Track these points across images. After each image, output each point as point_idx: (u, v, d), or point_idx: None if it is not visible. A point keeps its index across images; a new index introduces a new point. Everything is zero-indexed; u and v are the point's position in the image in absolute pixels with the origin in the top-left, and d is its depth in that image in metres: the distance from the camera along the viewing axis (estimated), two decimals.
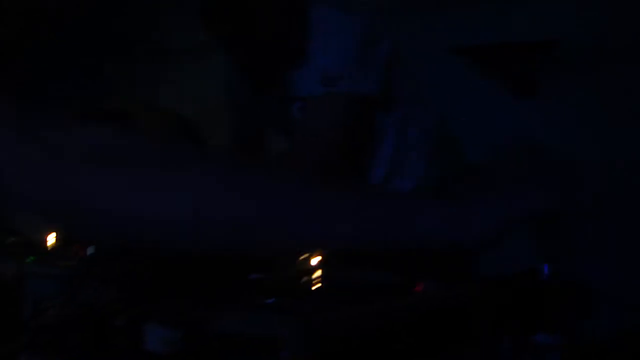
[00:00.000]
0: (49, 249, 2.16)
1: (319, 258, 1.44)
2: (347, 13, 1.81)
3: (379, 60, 1.78)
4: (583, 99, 2.66)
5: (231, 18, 1.72)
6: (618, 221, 2.62)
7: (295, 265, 1.44)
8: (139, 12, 3.87)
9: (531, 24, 2.66)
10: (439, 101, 2.63)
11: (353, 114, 1.76)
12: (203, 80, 3.95)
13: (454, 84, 2.67)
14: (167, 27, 3.90)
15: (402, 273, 1.35)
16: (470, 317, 1.29)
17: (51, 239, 2.22)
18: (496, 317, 1.26)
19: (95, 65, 3.37)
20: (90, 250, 1.87)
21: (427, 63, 2.70)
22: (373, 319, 1.25)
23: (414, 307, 1.29)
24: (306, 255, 1.46)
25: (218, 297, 1.28)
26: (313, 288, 1.39)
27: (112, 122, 3.08)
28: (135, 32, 3.76)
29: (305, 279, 1.43)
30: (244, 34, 1.75)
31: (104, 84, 3.45)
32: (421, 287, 1.28)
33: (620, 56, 2.62)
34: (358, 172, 1.90)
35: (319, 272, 1.42)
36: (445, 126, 2.04)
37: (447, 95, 2.68)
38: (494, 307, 1.25)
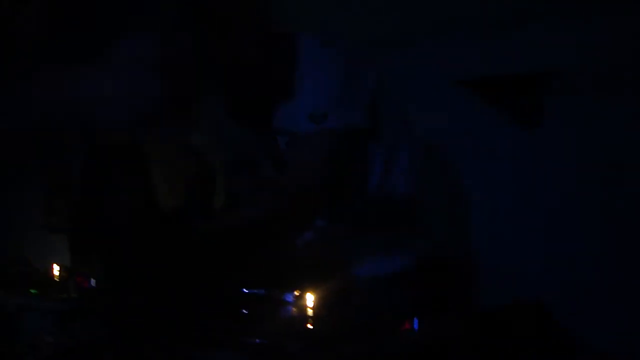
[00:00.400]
0: (52, 279, 2.20)
1: (312, 296, 1.46)
2: (331, 45, 1.81)
3: (365, 92, 1.79)
4: (583, 128, 2.66)
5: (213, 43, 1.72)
6: None
7: (286, 302, 1.46)
8: None
9: (531, 54, 2.67)
10: (439, 133, 2.66)
11: (342, 148, 1.78)
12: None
13: (454, 115, 2.68)
14: None
15: (392, 310, 1.36)
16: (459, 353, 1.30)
17: (55, 269, 2.26)
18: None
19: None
20: (92, 282, 1.90)
21: (426, 94, 2.72)
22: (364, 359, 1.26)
23: (403, 345, 1.30)
24: (299, 292, 1.48)
25: (209, 333, 1.30)
26: (306, 326, 1.41)
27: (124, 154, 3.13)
28: None
29: (298, 316, 1.44)
30: (227, 62, 1.75)
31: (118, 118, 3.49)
32: (409, 325, 1.29)
33: (622, 83, 2.63)
34: (344, 202, 1.90)
35: (311, 310, 1.44)
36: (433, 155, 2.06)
37: (447, 126, 2.71)
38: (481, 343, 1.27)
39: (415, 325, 1.27)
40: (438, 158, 2.62)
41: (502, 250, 2.64)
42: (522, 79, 2.66)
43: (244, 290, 1.47)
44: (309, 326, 1.39)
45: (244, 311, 1.40)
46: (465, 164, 2.70)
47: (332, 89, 1.76)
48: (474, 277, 2.13)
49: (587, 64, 2.65)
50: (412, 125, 1.99)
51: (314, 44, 1.82)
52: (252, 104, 1.90)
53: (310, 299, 1.46)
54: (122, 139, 3.32)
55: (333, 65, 1.78)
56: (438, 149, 2.56)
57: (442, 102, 2.77)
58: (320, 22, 2.65)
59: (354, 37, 2.01)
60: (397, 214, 1.93)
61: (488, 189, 2.73)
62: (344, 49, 1.82)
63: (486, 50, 2.67)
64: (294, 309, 1.45)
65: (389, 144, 1.91)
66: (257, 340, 1.24)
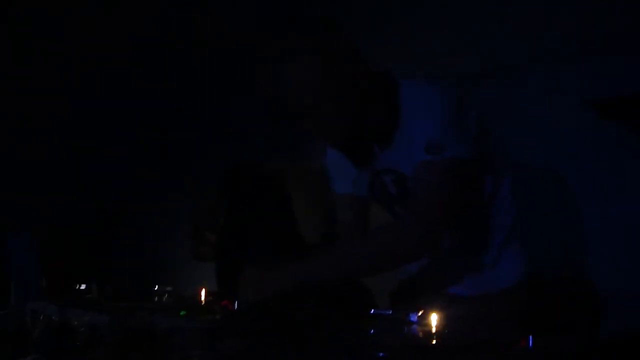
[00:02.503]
0: (199, 303, 2.37)
1: (435, 315, 1.53)
2: (434, 84, 1.84)
3: (471, 125, 1.82)
4: None
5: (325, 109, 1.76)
6: None
7: (411, 321, 1.54)
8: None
9: None
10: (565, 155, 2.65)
11: (460, 179, 1.81)
12: None
13: (582, 138, 2.65)
14: None
15: (509, 328, 1.41)
16: None
17: (202, 294, 2.43)
18: None
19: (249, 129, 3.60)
20: (236, 305, 2.03)
21: (554, 117, 2.71)
22: None
23: None
24: (423, 311, 1.55)
25: (342, 351, 1.39)
26: (430, 343, 1.48)
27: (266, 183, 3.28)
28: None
29: (423, 334, 1.52)
30: (338, 122, 1.79)
31: (258, 146, 3.66)
32: (525, 342, 1.34)
33: None
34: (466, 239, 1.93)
35: (434, 329, 1.51)
36: None
37: (575, 149, 2.68)
38: None
39: (530, 343, 1.31)
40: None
41: (623, 276, 2.56)
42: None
43: (372, 311, 1.56)
44: (433, 343, 1.47)
45: (372, 331, 1.48)
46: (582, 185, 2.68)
47: (443, 122, 1.79)
48: (590, 299, 2.11)
49: None
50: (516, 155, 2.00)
51: (419, 86, 1.84)
52: (358, 147, 1.93)
53: (433, 318, 1.53)
54: (264, 167, 3.48)
55: (440, 102, 1.80)
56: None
57: (565, 124, 2.74)
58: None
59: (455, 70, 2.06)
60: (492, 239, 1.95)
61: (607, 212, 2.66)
62: (447, 87, 1.84)
63: (617, 69, 2.62)
64: (419, 328, 1.53)
65: (492, 175, 1.94)
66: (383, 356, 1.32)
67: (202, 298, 2.41)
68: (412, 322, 1.53)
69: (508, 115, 2.88)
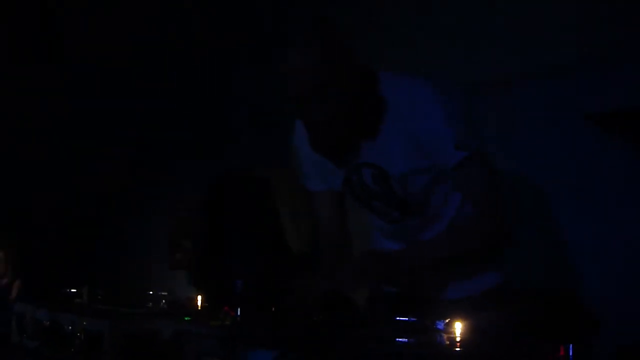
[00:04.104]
0: (199, 309, 2.32)
1: (460, 324, 1.51)
2: (434, 82, 1.88)
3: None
4: None
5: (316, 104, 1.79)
6: None
7: (438, 329, 1.51)
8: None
9: None
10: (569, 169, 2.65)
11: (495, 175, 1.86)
12: None
13: (583, 151, 2.65)
14: None
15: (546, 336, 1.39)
16: None
17: (200, 300, 2.38)
18: None
19: (236, 137, 3.57)
20: (239, 311, 1.99)
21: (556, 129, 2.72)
22: None
23: None
24: (449, 319, 1.53)
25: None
26: (456, 351, 1.46)
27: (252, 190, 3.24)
28: (270, 104, 3.96)
29: (449, 342, 1.50)
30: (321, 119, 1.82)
31: (245, 154, 3.64)
32: (563, 352, 1.32)
33: None
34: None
35: (460, 337, 1.49)
36: None
37: (576, 163, 2.68)
38: None
39: (571, 352, 1.29)
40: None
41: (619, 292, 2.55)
42: None
43: (398, 318, 1.53)
44: (458, 349, 1.45)
45: (399, 339, 1.46)
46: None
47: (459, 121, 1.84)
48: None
49: None
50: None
51: (426, 88, 1.88)
52: (341, 142, 1.93)
53: (458, 326, 1.51)
54: (249, 176, 3.44)
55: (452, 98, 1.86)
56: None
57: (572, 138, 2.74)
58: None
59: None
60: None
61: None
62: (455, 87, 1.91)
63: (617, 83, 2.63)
64: (445, 336, 1.50)
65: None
66: None
67: (199, 303, 2.36)
68: (439, 330, 1.51)
69: (503, 126, 2.89)
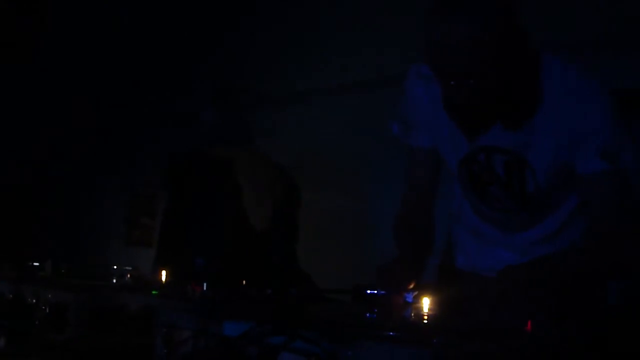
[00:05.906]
0: (163, 284, 2.32)
1: (427, 299, 1.55)
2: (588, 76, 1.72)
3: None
4: None
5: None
6: None
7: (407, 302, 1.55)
8: (241, 60, 4.04)
9: None
10: None
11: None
12: (301, 128, 4.07)
13: None
14: (268, 74, 4.04)
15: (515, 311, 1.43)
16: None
17: (164, 275, 2.38)
18: None
19: (197, 113, 3.53)
20: (204, 287, 2.00)
21: None
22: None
23: (526, 347, 1.35)
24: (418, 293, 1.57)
25: (346, 328, 1.38)
26: (424, 322, 1.50)
27: (215, 169, 3.23)
28: (237, 80, 3.93)
29: (417, 314, 1.54)
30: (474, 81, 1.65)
31: (205, 132, 3.61)
32: (531, 326, 1.35)
33: None
34: None
35: (428, 309, 1.53)
36: None
37: None
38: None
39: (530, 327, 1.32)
40: None
41: None
42: None
43: (369, 291, 1.56)
44: (426, 321, 1.49)
45: (375, 310, 1.49)
46: None
47: (614, 124, 1.72)
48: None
49: None
50: None
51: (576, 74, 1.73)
52: (480, 117, 1.81)
53: (426, 300, 1.55)
54: (209, 155, 3.42)
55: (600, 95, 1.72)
56: None
57: None
58: None
59: None
60: None
61: None
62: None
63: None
64: (414, 308, 1.54)
65: None
66: (390, 334, 1.32)
67: (164, 279, 2.36)
68: (409, 303, 1.55)
69: None
